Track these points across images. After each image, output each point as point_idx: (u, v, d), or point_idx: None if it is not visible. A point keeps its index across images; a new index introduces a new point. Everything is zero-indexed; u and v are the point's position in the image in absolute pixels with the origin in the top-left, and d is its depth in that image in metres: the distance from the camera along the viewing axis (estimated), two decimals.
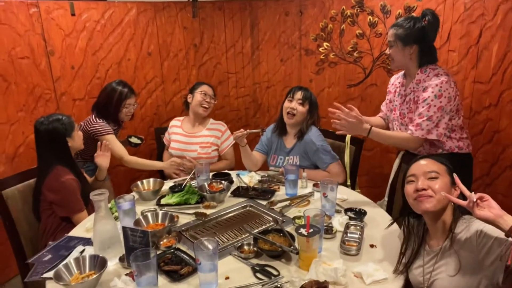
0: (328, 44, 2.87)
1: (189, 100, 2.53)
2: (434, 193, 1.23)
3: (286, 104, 2.21)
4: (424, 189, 1.24)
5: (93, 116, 2.40)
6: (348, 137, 2.36)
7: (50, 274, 1.30)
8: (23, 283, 1.95)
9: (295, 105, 2.17)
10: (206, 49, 3.16)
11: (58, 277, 1.25)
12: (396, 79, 2.11)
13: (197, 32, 3.10)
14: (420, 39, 1.83)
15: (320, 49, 2.90)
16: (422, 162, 1.31)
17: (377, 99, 2.78)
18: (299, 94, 2.18)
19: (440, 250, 1.25)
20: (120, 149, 2.36)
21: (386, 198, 2.14)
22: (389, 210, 2.08)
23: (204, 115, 2.53)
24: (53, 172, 1.86)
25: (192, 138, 2.52)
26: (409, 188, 1.29)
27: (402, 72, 2.04)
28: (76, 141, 1.98)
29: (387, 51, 1.95)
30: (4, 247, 2.27)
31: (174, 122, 2.66)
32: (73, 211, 1.87)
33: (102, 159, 2.17)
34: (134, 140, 2.41)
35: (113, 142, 2.34)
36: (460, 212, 1.25)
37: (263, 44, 3.09)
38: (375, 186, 2.91)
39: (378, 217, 1.69)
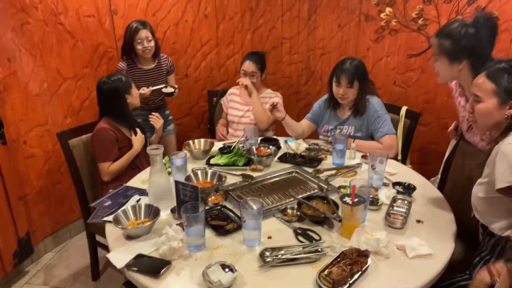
0: (391, 10, 2.69)
1: None
2: (475, 117, 1.25)
3: (335, 89, 2.13)
4: (470, 113, 1.29)
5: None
6: (403, 109, 2.26)
7: (109, 218, 1.43)
8: (85, 225, 2.16)
9: (344, 91, 2.09)
10: (262, 12, 3.10)
11: (116, 221, 1.37)
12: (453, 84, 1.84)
13: None
14: (470, 52, 1.50)
15: (382, 15, 2.73)
16: (475, 81, 1.28)
17: None
18: (344, 79, 2.06)
19: None
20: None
21: (439, 176, 2.05)
22: (441, 188, 2.00)
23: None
24: (99, 123, 2.05)
25: (248, 107, 2.58)
26: None
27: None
28: (135, 97, 2.15)
29: (430, 63, 1.65)
30: (69, 192, 2.51)
31: (233, 90, 2.72)
32: (98, 159, 2.04)
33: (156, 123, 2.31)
34: (167, 90, 2.60)
35: None
36: None
37: (320, 8, 2.97)
38: (428, 163, 2.78)
39: (428, 194, 1.63)
